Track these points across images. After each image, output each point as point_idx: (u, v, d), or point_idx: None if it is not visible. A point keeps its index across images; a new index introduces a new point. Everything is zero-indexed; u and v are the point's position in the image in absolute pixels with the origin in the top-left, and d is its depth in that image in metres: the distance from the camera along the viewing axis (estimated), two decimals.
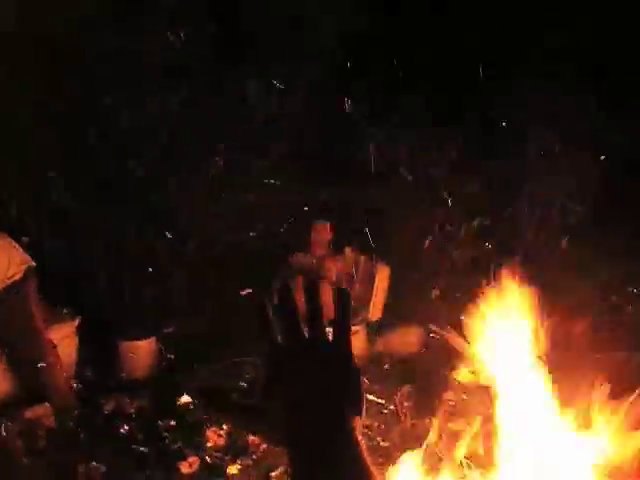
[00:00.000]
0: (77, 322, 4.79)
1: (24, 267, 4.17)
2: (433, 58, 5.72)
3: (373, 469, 0.76)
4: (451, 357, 4.16)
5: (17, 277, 4.11)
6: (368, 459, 0.77)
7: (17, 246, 4.24)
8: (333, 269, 5.62)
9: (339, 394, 0.82)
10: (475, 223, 5.73)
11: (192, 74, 5.59)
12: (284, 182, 5.92)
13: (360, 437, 0.79)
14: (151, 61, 5.41)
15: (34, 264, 4.26)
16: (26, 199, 5.36)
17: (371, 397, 4.82)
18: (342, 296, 0.89)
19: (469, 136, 5.86)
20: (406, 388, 4.82)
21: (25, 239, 4.67)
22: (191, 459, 3.90)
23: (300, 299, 0.87)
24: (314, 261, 5.63)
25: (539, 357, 3.30)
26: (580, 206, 5.90)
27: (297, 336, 0.85)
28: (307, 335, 0.85)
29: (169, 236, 5.72)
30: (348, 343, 0.86)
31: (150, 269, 5.70)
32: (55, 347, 4.34)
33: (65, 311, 4.83)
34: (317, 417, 0.80)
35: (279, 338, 0.86)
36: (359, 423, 0.81)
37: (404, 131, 5.99)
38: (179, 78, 5.53)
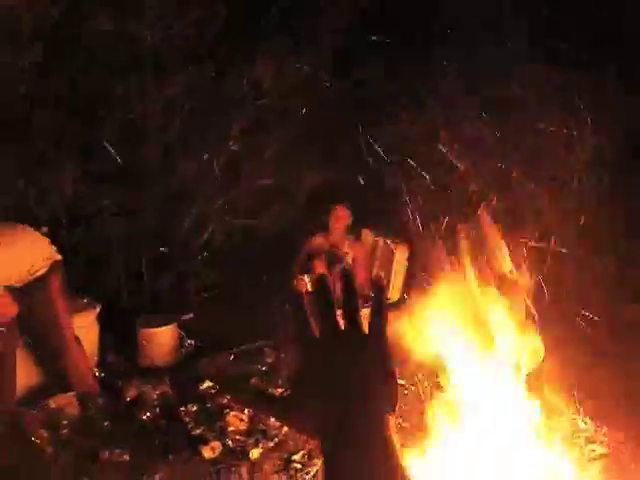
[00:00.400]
0: (98, 310, 4.82)
1: (49, 262, 4.16)
2: None
3: (405, 469, 0.75)
4: None
5: (42, 272, 4.10)
6: (401, 458, 0.75)
7: (43, 239, 4.23)
8: (351, 252, 5.60)
9: (373, 389, 0.80)
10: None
11: (202, 56, 5.57)
12: (300, 164, 5.90)
13: (394, 434, 0.77)
14: (156, 44, 5.39)
15: (60, 257, 4.26)
16: (42, 188, 5.38)
17: None
18: (378, 288, 0.88)
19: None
20: (427, 369, 4.81)
21: (44, 229, 4.69)
22: (213, 444, 3.93)
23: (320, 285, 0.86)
24: (333, 244, 5.62)
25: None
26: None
27: (332, 327, 0.84)
28: (343, 326, 0.84)
29: (185, 222, 5.75)
30: (384, 337, 0.84)
31: (168, 256, 5.74)
32: (79, 341, 4.38)
33: (85, 300, 4.86)
34: (350, 410, 0.78)
35: (314, 328, 0.84)
36: (392, 421, 0.79)
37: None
38: (189, 60, 5.51)
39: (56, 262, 4.20)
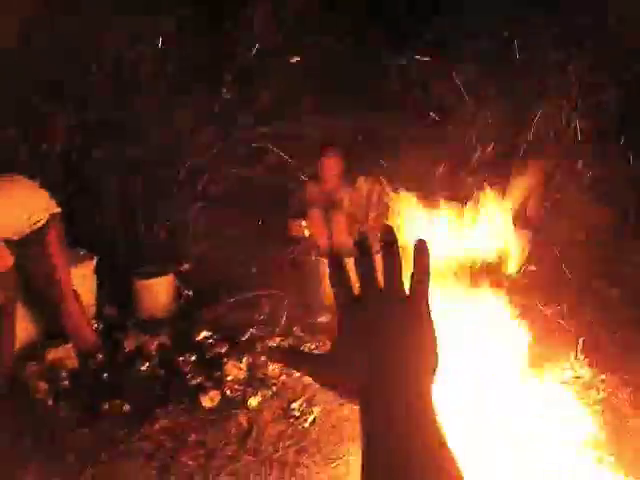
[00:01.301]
0: (94, 262, 4.81)
1: (48, 213, 4.11)
2: None
3: (445, 436, 0.74)
4: None
5: (41, 223, 4.05)
6: (441, 425, 0.74)
7: (42, 191, 4.17)
8: (346, 199, 5.56)
9: (414, 352, 0.80)
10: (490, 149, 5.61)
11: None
12: (295, 113, 5.82)
13: (434, 402, 0.77)
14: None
15: (59, 210, 4.21)
16: (34, 140, 5.31)
17: None
18: (420, 250, 0.85)
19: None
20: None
21: (36, 181, 4.64)
22: (212, 393, 3.96)
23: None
24: (327, 192, 5.57)
25: None
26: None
27: (374, 289, 0.83)
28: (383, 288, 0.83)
29: (179, 172, 5.69)
30: (426, 302, 0.83)
31: (163, 205, 5.70)
32: (78, 294, 4.38)
33: (82, 252, 4.85)
34: (392, 373, 0.77)
35: (354, 290, 0.84)
36: (433, 388, 0.79)
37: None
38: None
39: (54, 214, 4.16)
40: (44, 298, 4.29)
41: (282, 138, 5.80)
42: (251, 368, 4.26)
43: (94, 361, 4.27)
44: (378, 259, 0.85)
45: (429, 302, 0.83)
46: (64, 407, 3.82)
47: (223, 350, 4.46)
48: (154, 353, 4.42)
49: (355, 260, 0.86)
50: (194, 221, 5.83)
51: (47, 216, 4.08)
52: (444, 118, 5.89)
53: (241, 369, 4.23)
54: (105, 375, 4.17)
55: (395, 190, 5.82)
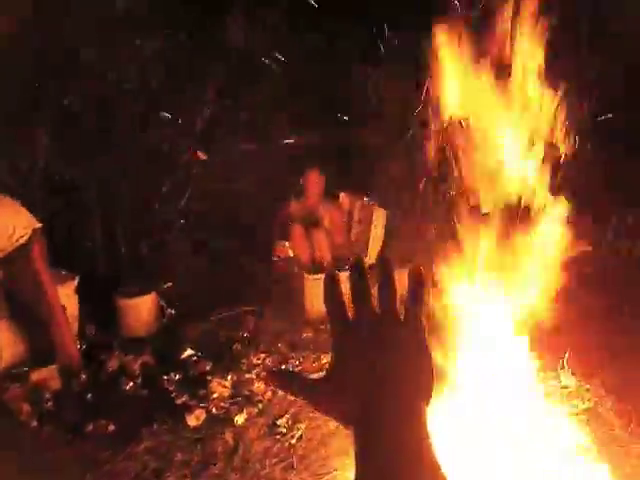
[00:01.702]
0: (76, 281, 4.78)
1: (30, 229, 4.13)
2: None
3: (437, 458, 0.74)
4: None
5: (23, 240, 4.07)
6: (435, 450, 0.75)
7: (21, 208, 4.19)
8: (328, 215, 5.59)
9: (408, 375, 0.81)
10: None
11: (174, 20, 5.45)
12: (275, 128, 5.85)
13: (427, 424, 0.77)
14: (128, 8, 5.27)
15: (40, 225, 4.22)
16: (14, 157, 5.28)
17: None
18: (414, 277, 0.86)
19: None
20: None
21: (17, 199, 4.62)
22: (197, 412, 3.95)
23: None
24: (308, 209, 5.60)
25: None
26: None
27: (368, 311, 0.84)
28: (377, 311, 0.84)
29: (163, 189, 5.69)
30: (421, 325, 0.84)
31: (145, 223, 5.69)
32: (65, 309, 4.36)
33: (63, 272, 4.82)
34: (383, 396, 0.78)
35: (348, 313, 0.85)
36: (426, 410, 0.79)
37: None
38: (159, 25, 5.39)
39: (36, 230, 4.18)
40: (32, 314, 4.26)
41: (264, 154, 5.82)
42: (236, 385, 4.26)
43: (78, 381, 4.24)
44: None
45: (424, 325, 0.84)
46: (48, 428, 3.79)
47: (207, 368, 4.45)
48: (138, 372, 4.39)
49: (350, 282, 0.86)
50: (176, 238, 5.82)
51: (30, 232, 4.10)
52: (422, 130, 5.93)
53: (226, 387, 4.22)
54: (89, 395, 4.14)
55: (374, 204, 5.88)
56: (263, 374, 4.34)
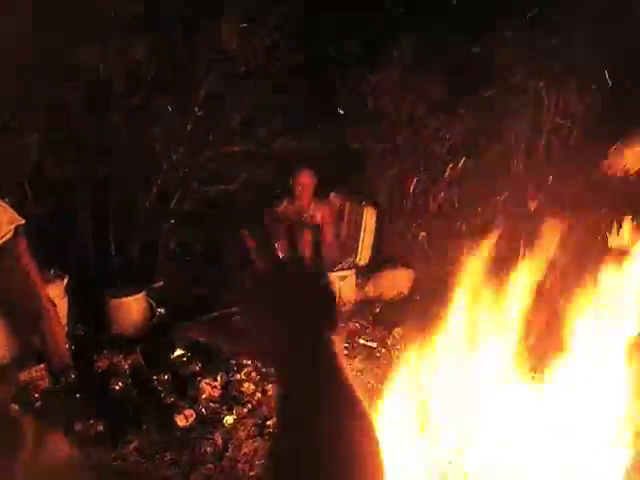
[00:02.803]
0: (66, 281, 4.77)
1: (13, 226, 4.11)
2: None
3: (353, 381, 0.82)
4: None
5: (8, 236, 4.05)
6: (349, 370, 0.83)
7: (4, 205, 4.17)
8: (318, 216, 5.59)
9: (315, 308, 0.90)
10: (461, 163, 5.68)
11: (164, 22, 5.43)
12: (266, 131, 5.85)
13: (339, 351, 0.85)
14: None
15: (23, 221, 4.20)
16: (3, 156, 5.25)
17: (362, 341, 4.88)
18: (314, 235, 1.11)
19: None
20: (397, 330, 4.87)
21: (6, 200, 4.60)
22: (187, 412, 3.95)
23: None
24: (299, 209, 5.60)
25: None
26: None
27: (272, 256, 0.96)
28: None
29: (152, 189, 5.67)
30: (322, 268, 0.97)
31: (135, 223, 5.67)
32: (54, 305, 4.34)
33: (52, 272, 4.80)
34: (297, 327, 0.87)
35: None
36: (339, 340, 0.87)
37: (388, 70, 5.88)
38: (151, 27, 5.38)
39: (19, 226, 4.16)
40: (20, 314, 4.24)
41: (253, 156, 5.81)
42: (226, 386, 4.25)
43: (66, 381, 4.23)
44: None
45: (324, 269, 0.99)
46: (36, 429, 3.76)
47: (197, 368, 4.45)
48: (127, 372, 4.38)
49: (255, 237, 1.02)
50: (166, 239, 5.81)
51: (13, 228, 4.08)
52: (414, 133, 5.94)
53: (216, 387, 4.22)
54: (78, 395, 4.13)
55: (365, 206, 5.89)
56: (253, 374, 4.34)
